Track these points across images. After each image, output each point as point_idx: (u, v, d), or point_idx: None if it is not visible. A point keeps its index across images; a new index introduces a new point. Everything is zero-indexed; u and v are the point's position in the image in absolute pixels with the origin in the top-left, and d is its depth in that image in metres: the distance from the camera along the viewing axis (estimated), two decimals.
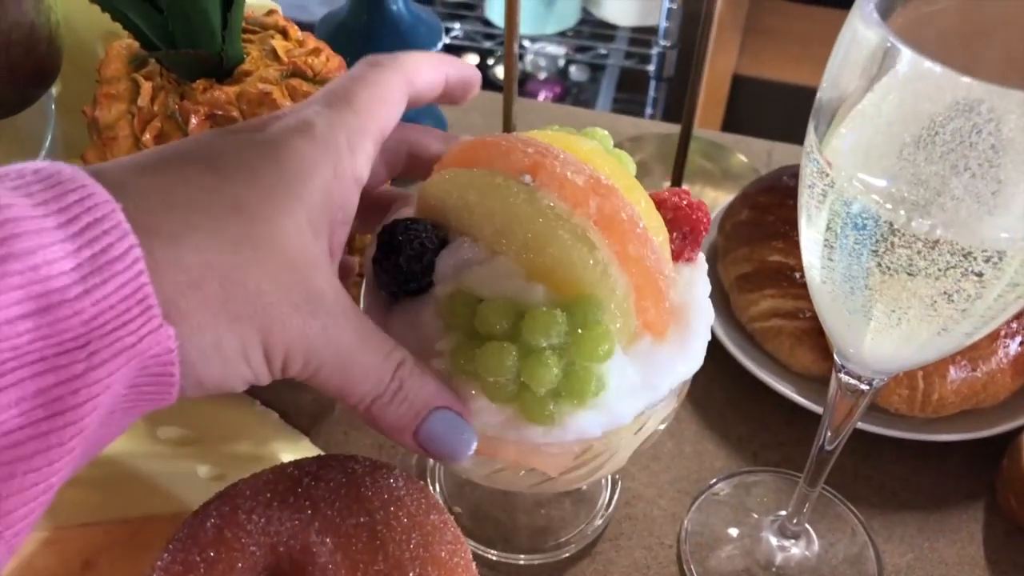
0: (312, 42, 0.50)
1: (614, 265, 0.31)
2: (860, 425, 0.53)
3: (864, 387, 0.39)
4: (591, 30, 1.87)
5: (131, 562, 0.39)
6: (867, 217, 0.30)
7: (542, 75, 1.95)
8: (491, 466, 0.35)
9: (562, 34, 1.85)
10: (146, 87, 0.46)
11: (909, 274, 0.31)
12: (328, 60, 0.49)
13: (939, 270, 0.30)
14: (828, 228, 0.32)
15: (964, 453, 0.56)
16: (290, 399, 0.56)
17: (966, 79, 0.27)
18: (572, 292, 0.31)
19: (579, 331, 0.31)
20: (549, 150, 0.32)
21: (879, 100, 0.30)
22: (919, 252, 0.30)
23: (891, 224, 0.30)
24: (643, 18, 1.77)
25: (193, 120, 0.45)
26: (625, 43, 1.86)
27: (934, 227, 0.29)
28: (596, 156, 0.34)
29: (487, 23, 1.88)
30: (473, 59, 1.92)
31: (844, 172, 0.31)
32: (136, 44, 0.47)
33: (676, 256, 0.37)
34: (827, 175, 0.31)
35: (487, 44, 1.90)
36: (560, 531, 0.50)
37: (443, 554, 0.35)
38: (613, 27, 1.83)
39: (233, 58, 0.46)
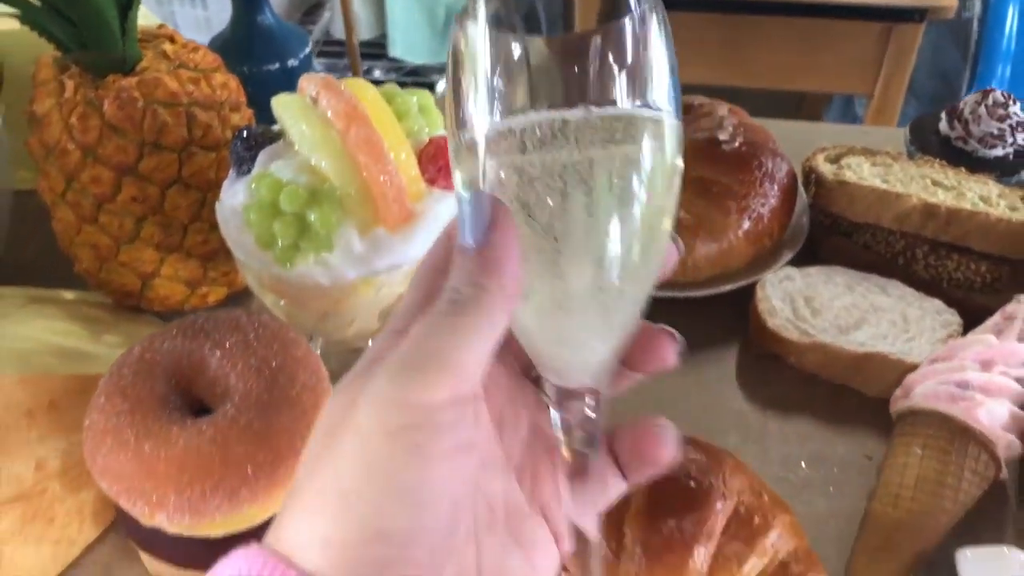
0: (193, 44, 0.67)
1: (354, 169, 0.49)
2: None
3: None
4: None
5: (83, 400, 0.54)
6: None
7: None
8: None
9: None
10: (69, 84, 0.62)
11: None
12: (204, 55, 0.66)
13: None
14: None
15: (727, 305, 0.73)
16: None
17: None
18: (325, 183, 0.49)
19: (321, 206, 0.48)
20: (333, 86, 0.50)
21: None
22: None
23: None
24: None
25: (106, 103, 0.61)
26: None
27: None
28: (368, 94, 0.52)
29: (395, 60, 2.08)
30: None
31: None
32: (59, 54, 0.63)
33: (432, 181, 0.53)
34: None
35: (401, 78, 2.09)
36: None
37: (298, 353, 0.51)
38: None
39: (133, 57, 0.63)
